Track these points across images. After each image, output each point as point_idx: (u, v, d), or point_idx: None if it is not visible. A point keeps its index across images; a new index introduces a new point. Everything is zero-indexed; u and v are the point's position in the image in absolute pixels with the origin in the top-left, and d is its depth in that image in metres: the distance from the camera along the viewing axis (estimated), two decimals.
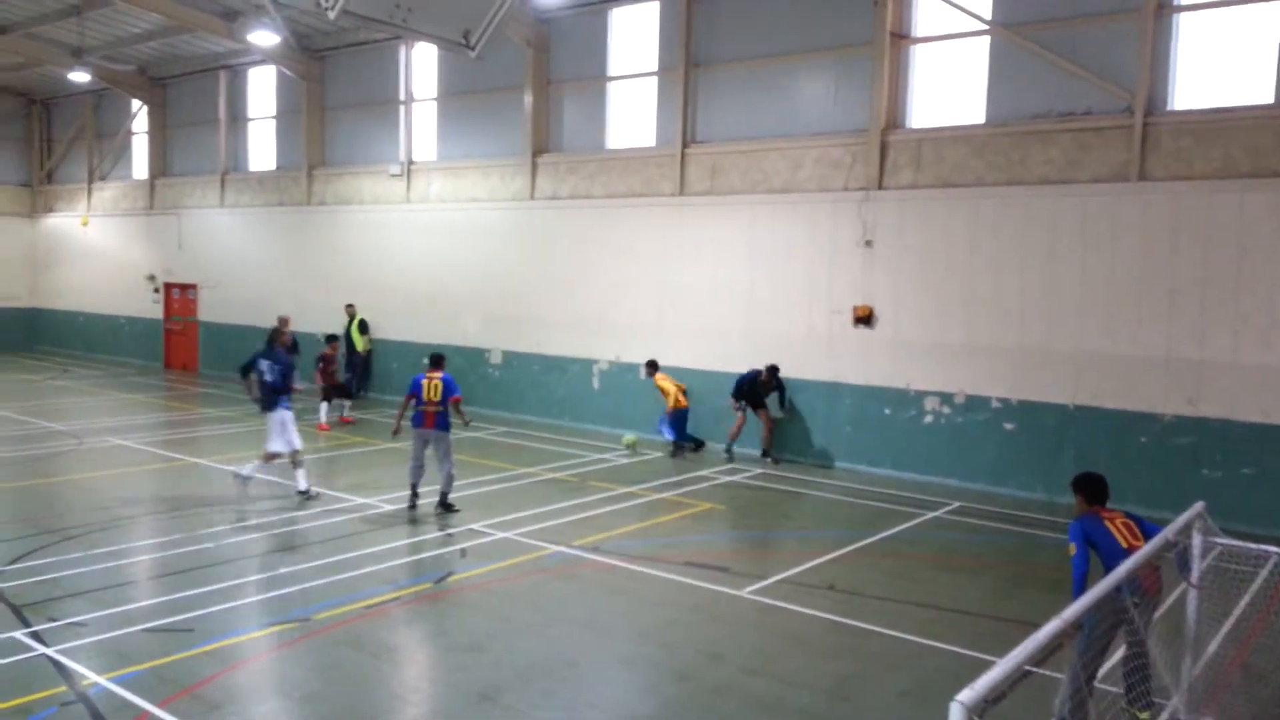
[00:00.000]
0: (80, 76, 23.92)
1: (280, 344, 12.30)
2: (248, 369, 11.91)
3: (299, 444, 11.85)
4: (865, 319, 14.40)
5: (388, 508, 11.48)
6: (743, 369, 15.25)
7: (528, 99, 18.13)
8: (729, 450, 15.14)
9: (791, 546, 10.46)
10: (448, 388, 11.31)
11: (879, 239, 14.30)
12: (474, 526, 10.70)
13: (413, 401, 11.35)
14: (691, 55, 16.23)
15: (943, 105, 14.16)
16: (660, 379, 15.62)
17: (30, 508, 11.27)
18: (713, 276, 15.99)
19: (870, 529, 11.13)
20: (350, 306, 20.59)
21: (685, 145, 16.30)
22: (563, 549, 9.95)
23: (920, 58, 14.40)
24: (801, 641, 7.71)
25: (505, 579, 9.01)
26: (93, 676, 6.58)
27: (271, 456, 11.79)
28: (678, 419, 15.44)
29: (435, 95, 20.07)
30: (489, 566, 9.34)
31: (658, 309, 16.69)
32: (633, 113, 17.35)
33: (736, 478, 13.84)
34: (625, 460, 14.86)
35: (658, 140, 16.81)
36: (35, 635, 7.27)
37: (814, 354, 14.98)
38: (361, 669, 7.03)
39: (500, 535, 10.40)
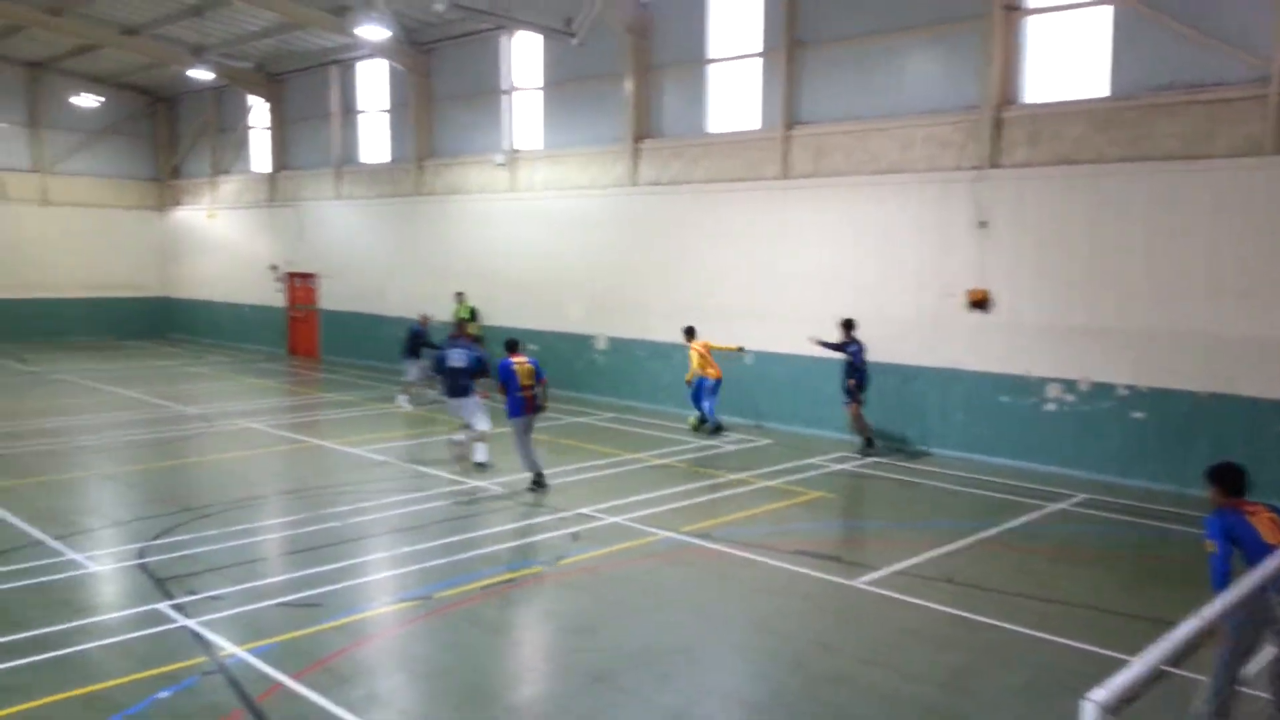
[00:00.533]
0: (201, 74, 24.98)
1: (464, 335, 13.75)
2: (440, 362, 12.82)
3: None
4: (980, 303, 13.98)
5: (501, 490, 11.73)
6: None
7: (628, 85, 18.17)
8: (870, 443, 14.37)
9: (905, 537, 10.28)
10: (538, 370, 11.76)
11: (994, 219, 13.84)
12: (584, 511, 10.85)
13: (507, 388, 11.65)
14: (795, 35, 15.98)
15: (1060, 78, 13.59)
16: (693, 346, 15.80)
17: (169, 487, 11.94)
18: (817, 260, 15.76)
19: (989, 520, 10.83)
20: (460, 294, 21.12)
21: (789, 127, 16.08)
22: (672, 535, 10.00)
23: (1035, 29, 13.84)
24: (917, 633, 7.58)
25: (616, 563, 9.11)
26: (230, 648, 6.93)
27: (484, 435, 12.61)
28: (697, 390, 15.81)
29: (538, 84, 20.31)
30: (600, 550, 9.46)
31: (761, 293, 16.55)
32: (735, 96, 17.21)
33: (846, 466, 13.65)
34: (733, 447, 14.82)
35: (761, 123, 16.63)
36: (177, 607, 7.71)
37: (925, 339, 14.63)
38: (480, 647, 7.23)
39: (610, 520, 10.51)
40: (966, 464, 13.83)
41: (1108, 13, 12.98)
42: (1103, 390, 13.02)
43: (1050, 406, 13.49)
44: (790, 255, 16.12)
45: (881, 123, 15.01)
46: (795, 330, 15.96)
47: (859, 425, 14.42)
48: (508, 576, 8.70)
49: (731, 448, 14.76)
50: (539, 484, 11.68)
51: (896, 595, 8.32)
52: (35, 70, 28.86)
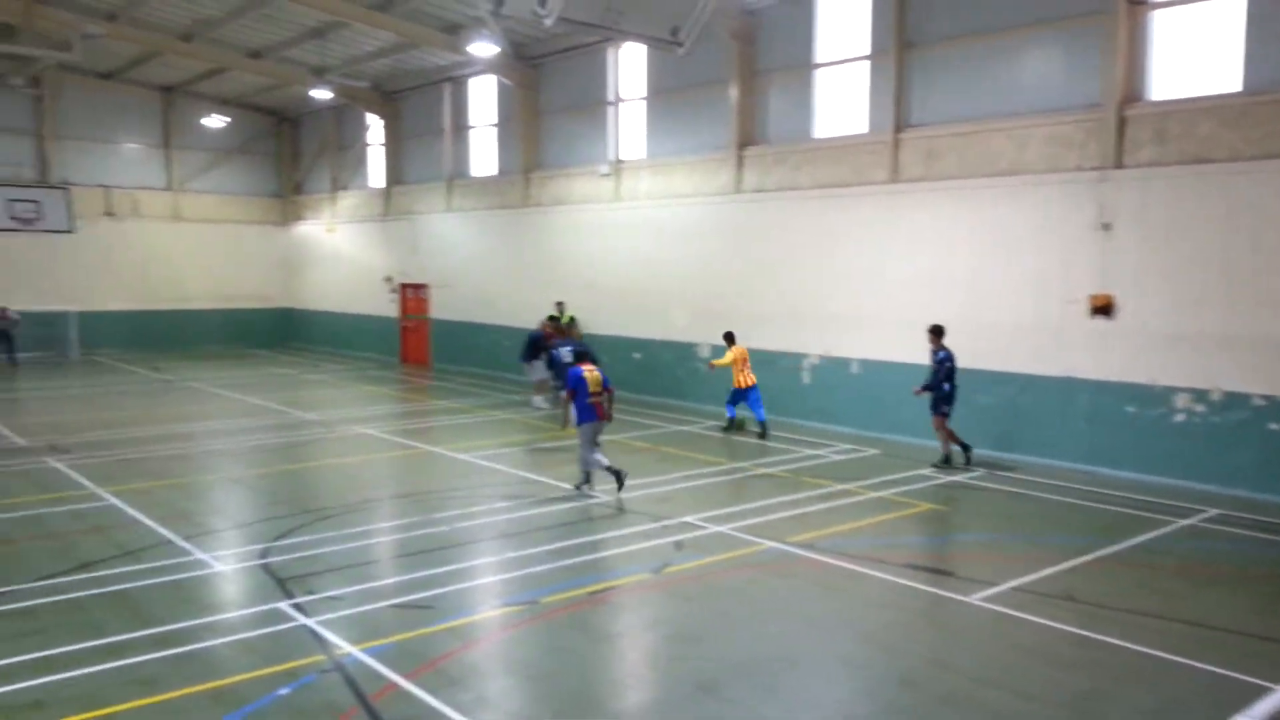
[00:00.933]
0: (322, 94, 26.12)
1: (573, 335, 15.36)
2: (555, 360, 13.97)
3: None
4: (1104, 309, 13.39)
5: (605, 498, 11.80)
6: (961, 363, 14.56)
7: (733, 92, 18.11)
8: (964, 452, 13.82)
9: (1022, 552, 9.89)
10: (605, 380, 12.06)
11: (1119, 221, 13.25)
12: (688, 519, 10.81)
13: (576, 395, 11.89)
14: (905, 37, 15.65)
15: (1188, 74, 12.92)
16: (731, 351, 16.30)
17: (290, 490, 12.43)
18: (929, 266, 15.37)
19: (1113, 536, 10.34)
20: (560, 304, 21.45)
21: (898, 130, 15.75)
22: (777, 545, 9.88)
23: (1162, 22, 13.21)
24: (1036, 653, 7.27)
25: (720, 573, 9.04)
26: (347, 647, 7.14)
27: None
28: (735, 395, 16.36)
29: (642, 94, 20.44)
30: (704, 560, 9.40)
31: (868, 300, 16.23)
32: (842, 100, 16.96)
33: (959, 478, 13.25)
34: (839, 457, 14.56)
35: (869, 126, 16.34)
36: (297, 606, 7.99)
37: (1043, 347, 14.09)
38: (586, 653, 7.27)
39: (714, 529, 10.45)
40: (1089, 477, 13.24)
41: (1240, 3, 12.30)
42: (1236, 400, 12.29)
43: (1179, 417, 12.81)
44: (899, 261, 15.77)
45: (997, 123, 14.56)
46: (904, 338, 15.62)
47: (944, 437, 13.86)
48: (613, 584, 8.73)
49: (838, 457, 14.50)
50: (587, 483, 12.04)
51: (1013, 612, 8.00)
52: (168, 94, 30.61)
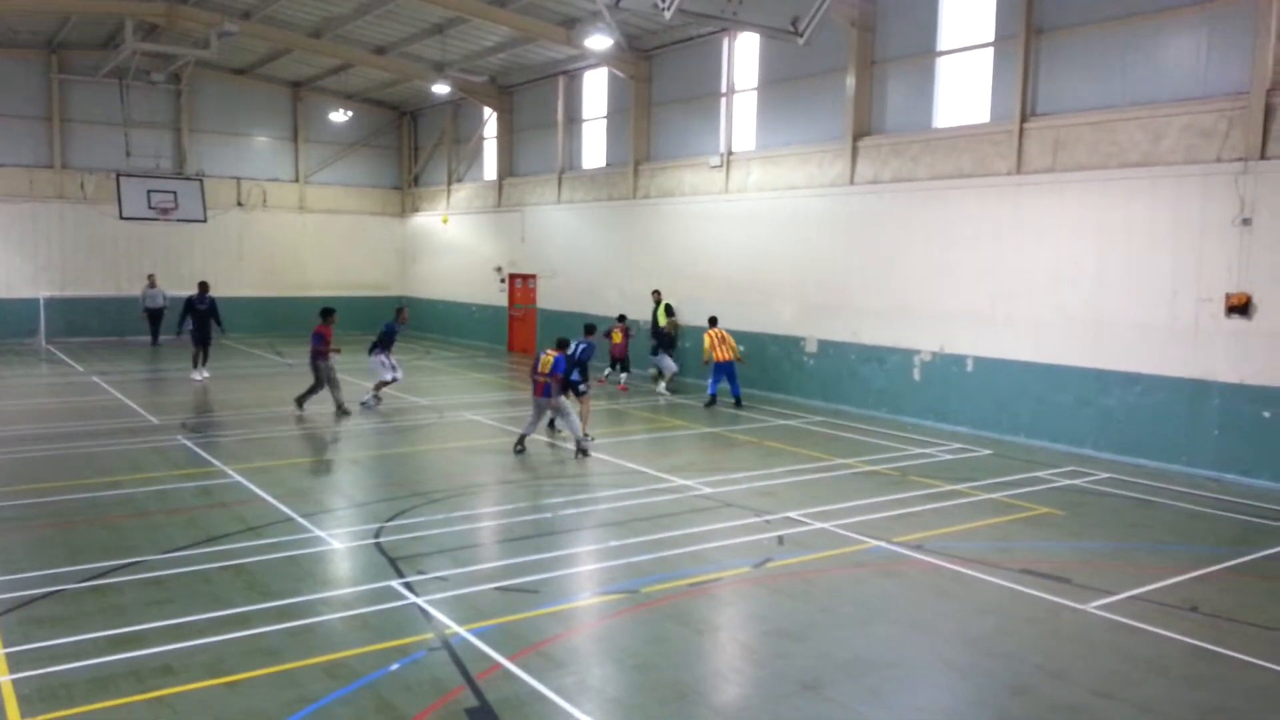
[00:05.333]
0: (441, 88, 26.78)
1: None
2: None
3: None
4: (1240, 308, 12.62)
5: (707, 490, 11.77)
6: (1084, 362, 14.00)
7: (850, 81, 17.76)
8: None
9: (1145, 560, 9.42)
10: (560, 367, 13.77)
11: (1260, 216, 12.46)
12: (791, 515, 10.68)
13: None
14: (1033, 22, 15.05)
15: None
16: (709, 333, 18.34)
17: (402, 472, 12.82)
18: (1053, 262, 14.76)
19: (1244, 546, 9.75)
20: (656, 293, 21.55)
21: (1024, 119, 15.16)
22: (883, 544, 9.67)
23: None
24: (1159, 667, 6.91)
25: (823, 570, 8.90)
26: (454, 626, 7.32)
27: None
28: (716, 371, 18.32)
29: (754, 85, 20.24)
30: (807, 556, 9.28)
31: (988, 297, 15.70)
32: (963, 88, 16.43)
33: (1078, 481, 12.71)
34: (949, 456, 14.15)
35: (992, 115, 15.79)
36: (408, 585, 8.23)
37: (1174, 347, 13.37)
38: (686, 644, 7.26)
39: (817, 525, 10.30)
40: (1217, 484, 12.53)
41: None
42: None
43: None
44: (1021, 256, 15.20)
45: (1130, 112, 13.87)
46: (1022, 335, 15.08)
47: None
48: (714, 576, 8.69)
49: (948, 457, 14.10)
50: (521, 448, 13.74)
51: (1134, 623, 7.63)
52: (297, 89, 31.90)
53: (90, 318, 28.94)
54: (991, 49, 15.80)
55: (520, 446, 13.84)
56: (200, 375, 20.98)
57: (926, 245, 16.64)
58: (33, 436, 14.55)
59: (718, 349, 18.09)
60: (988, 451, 14.49)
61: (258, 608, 7.69)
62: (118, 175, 28.15)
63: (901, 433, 15.88)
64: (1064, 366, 14.52)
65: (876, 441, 15.17)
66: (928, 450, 14.54)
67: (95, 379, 21.07)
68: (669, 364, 20.60)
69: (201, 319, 21.07)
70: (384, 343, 18.34)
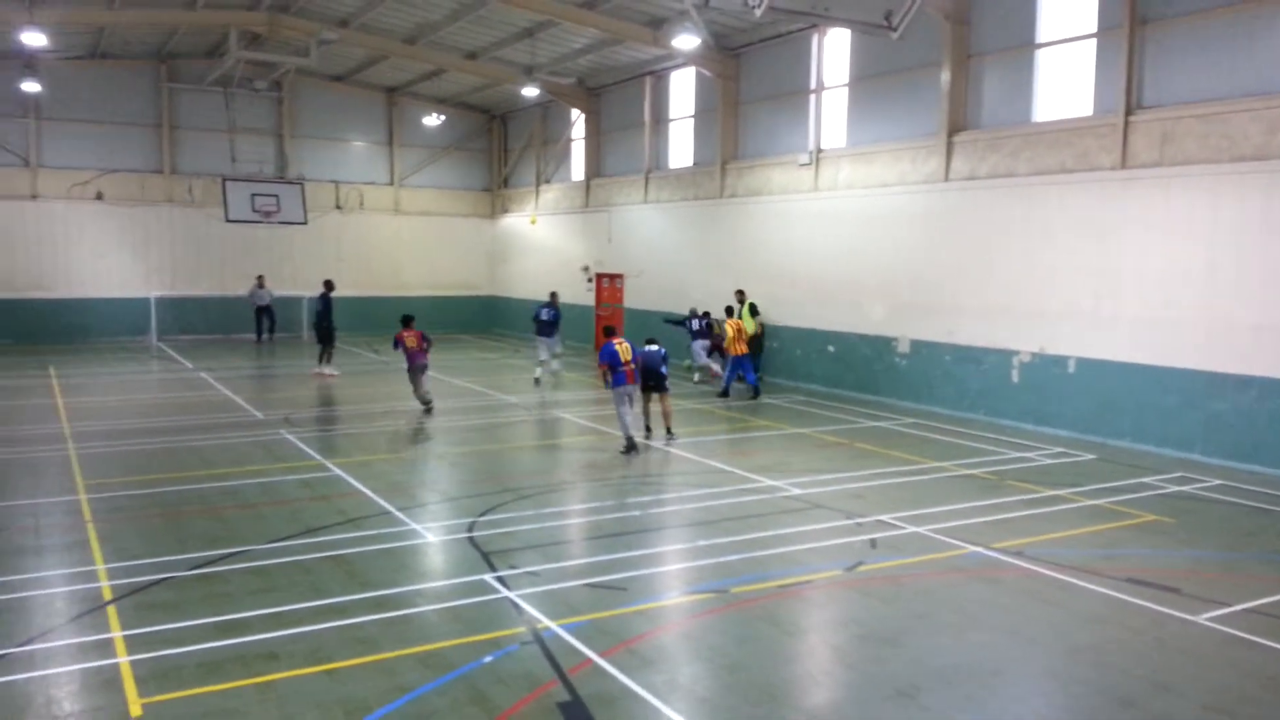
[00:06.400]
0: (530, 91, 27.13)
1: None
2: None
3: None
4: None
5: (796, 491, 11.64)
6: (1193, 364, 13.39)
7: (944, 75, 17.36)
8: None
9: (1260, 571, 8.97)
10: (634, 349, 14.27)
11: None
12: (883, 518, 10.49)
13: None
14: (1138, 12, 14.47)
15: None
16: (729, 323, 18.93)
17: (493, 468, 13.03)
18: (1161, 259, 14.17)
19: None
20: (740, 292, 21.40)
21: (1129, 112, 14.60)
22: (980, 550, 9.41)
23: None
24: (1278, 682, 6.56)
25: (918, 575, 8.72)
26: (545, 621, 7.39)
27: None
28: (734, 363, 18.96)
29: (844, 81, 19.96)
30: (900, 560, 9.10)
31: (1091, 296, 15.15)
32: (1064, 80, 15.90)
33: (1187, 488, 12.18)
34: (1050, 461, 13.71)
35: (1094, 108, 15.25)
36: (500, 579, 8.35)
37: None
38: (777, 646, 7.19)
39: (911, 529, 10.08)
40: None
41: None
42: None
43: None
44: (1126, 253, 14.63)
45: (1245, 102, 13.22)
46: (1127, 336, 14.53)
47: None
48: (804, 578, 8.59)
49: (1049, 461, 13.65)
50: (631, 448, 13.62)
51: (1249, 636, 7.27)
52: (392, 95, 32.70)
53: (197, 316, 30.20)
54: (1095, 40, 15.24)
55: (633, 445, 13.71)
56: (327, 369, 21.81)
57: (1026, 242, 16.15)
58: (145, 430, 15.25)
59: (736, 343, 18.66)
60: (1090, 456, 13.99)
61: (356, 598, 7.90)
62: (223, 180, 29.32)
63: (998, 435, 15.45)
64: (1172, 368, 13.93)
65: (972, 444, 14.79)
66: (1026, 454, 14.11)
67: (203, 374, 21.97)
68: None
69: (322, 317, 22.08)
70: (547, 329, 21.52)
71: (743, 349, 18.76)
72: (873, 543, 9.64)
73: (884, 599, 8.14)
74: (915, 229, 18.20)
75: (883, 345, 18.98)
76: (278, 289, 30.41)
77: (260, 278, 29.96)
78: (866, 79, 19.37)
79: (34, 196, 28.17)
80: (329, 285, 22.74)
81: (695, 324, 21.05)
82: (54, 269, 28.54)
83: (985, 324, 16.83)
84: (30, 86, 26.24)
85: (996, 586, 8.46)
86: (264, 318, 29.86)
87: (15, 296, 28.09)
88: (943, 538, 9.78)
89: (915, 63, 17.96)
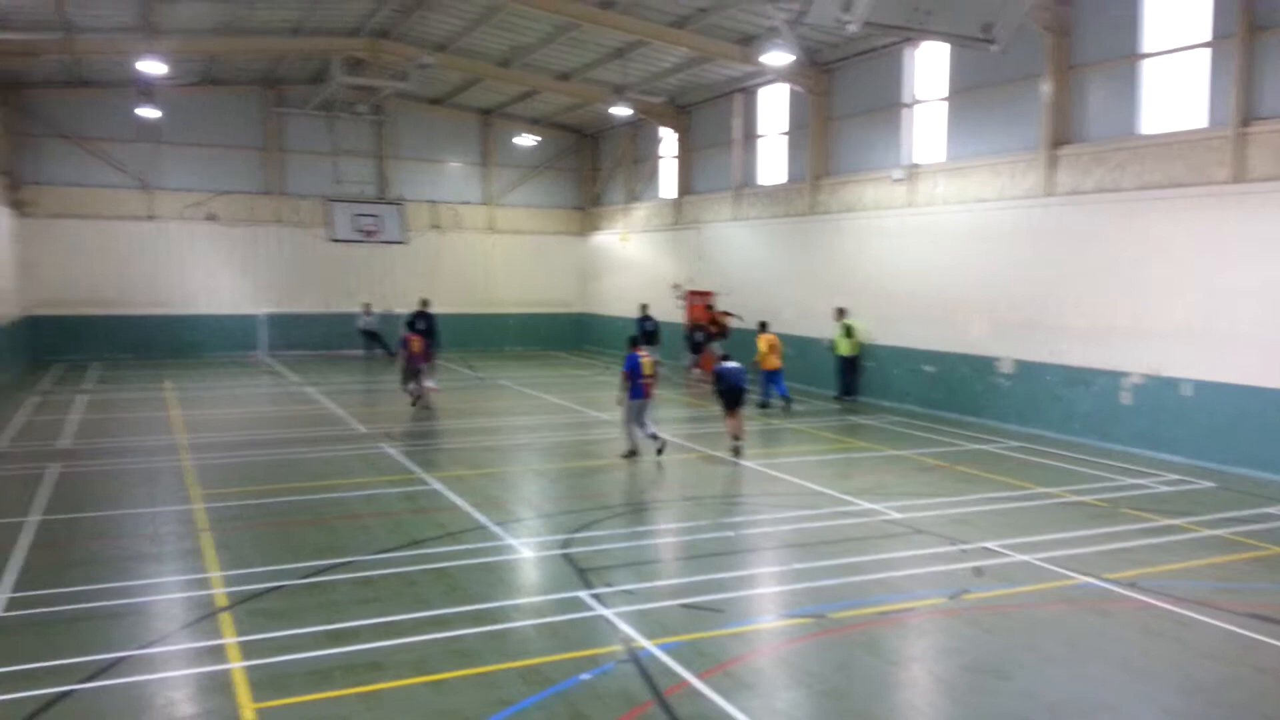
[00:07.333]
0: (621, 111, 27.40)
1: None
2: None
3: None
4: None
5: (896, 515, 11.40)
6: None
7: (1045, 87, 16.89)
8: None
9: None
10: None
11: None
12: (988, 545, 10.18)
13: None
14: (1253, 19, 13.86)
15: None
16: (763, 338, 19.40)
17: (588, 485, 13.12)
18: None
19: None
20: (841, 310, 21.15)
21: (1244, 124, 13.97)
22: (1092, 580, 9.05)
23: None
24: None
25: (1025, 605, 8.43)
26: (642, 640, 7.39)
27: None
28: (766, 377, 19.47)
29: (941, 95, 19.60)
30: (1007, 589, 8.81)
31: (1207, 316, 14.49)
32: (1173, 91, 15.30)
33: None
34: (1166, 488, 13.12)
35: (1208, 120, 14.63)
36: (596, 597, 8.38)
37: None
38: (878, 673, 7.04)
39: (1018, 557, 9.76)
40: None
41: None
42: None
43: None
44: (1245, 271, 13.96)
45: None
46: (1248, 357, 13.85)
47: None
48: (906, 605, 8.39)
49: (1165, 488, 13.07)
50: (633, 453, 14.53)
51: None
52: (486, 116, 33.41)
53: (302, 333, 31.23)
54: (1209, 49, 14.64)
55: (635, 452, 14.63)
56: (429, 384, 22.25)
57: (1135, 259, 15.56)
58: (255, 441, 15.83)
59: (768, 357, 19.20)
60: (1209, 483, 13.34)
61: (457, 610, 8.03)
62: (327, 200, 30.35)
63: (1109, 460, 14.87)
64: None
65: (1081, 470, 14.26)
66: (1140, 480, 13.53)
67: (308, 389, 22.71)
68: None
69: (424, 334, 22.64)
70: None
71: (776, 363, 19.32)
72: (979, 570, 9.36)
73: (990, 629, 7.89)
74: (1016, 244, 17.70)
75: (984, 365, 18.48)
76: (379, 308, 31.19)
77: (366, 305, 30.66)
78: (962, 92, 18.99)
79: (150, 217, 29.61)
80: (425, 304, 23.27)
81: (648, 324, 22.75)
82: (169, 287, 29.91)
83: (1093, 344, 16.24)
84: (148, 112, 27.65)
85: (1109, 619, 8.12)
86: (372, 343, 30.39)
87: (133, 313, 29.51)
88: (1052, 567, 9.44)
89: (1014, 75, 17.52)
